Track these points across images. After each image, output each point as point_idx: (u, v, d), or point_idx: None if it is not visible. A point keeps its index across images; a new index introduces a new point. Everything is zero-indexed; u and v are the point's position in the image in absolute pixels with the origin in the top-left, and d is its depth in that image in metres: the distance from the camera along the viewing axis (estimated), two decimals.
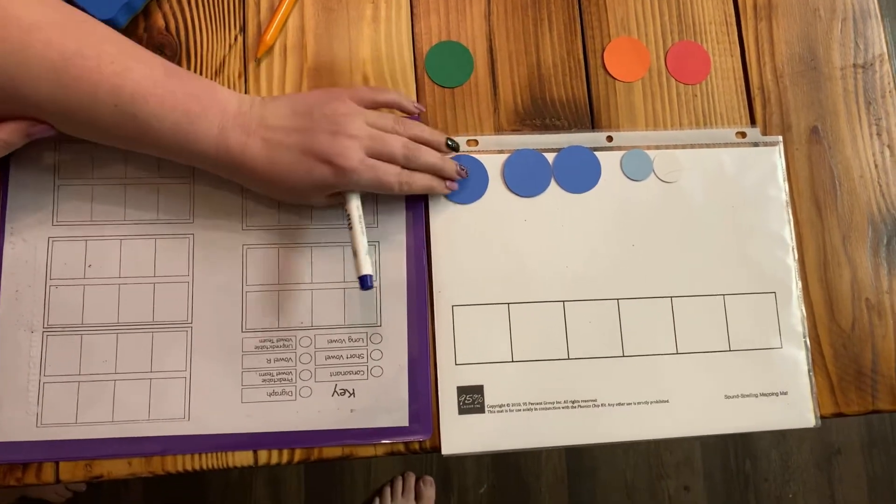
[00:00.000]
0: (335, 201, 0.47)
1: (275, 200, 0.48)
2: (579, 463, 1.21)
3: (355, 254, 0.45)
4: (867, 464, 1.26)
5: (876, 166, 0.54)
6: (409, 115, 0.49)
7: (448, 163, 0.48)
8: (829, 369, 0.50)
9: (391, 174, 0.45)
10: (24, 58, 0.39)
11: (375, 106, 0.47)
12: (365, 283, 0.44)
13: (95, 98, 0.40)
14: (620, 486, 1.21)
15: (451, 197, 0.50)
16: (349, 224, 0.45)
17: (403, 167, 0.46)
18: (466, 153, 0.51)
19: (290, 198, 0.47)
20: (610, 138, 0.52)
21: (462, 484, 1.18)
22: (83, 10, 0.49)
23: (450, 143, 0.49)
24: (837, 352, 0.51)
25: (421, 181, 0.47)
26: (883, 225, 0.53)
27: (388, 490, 1.13)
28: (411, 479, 1.15)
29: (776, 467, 1.24)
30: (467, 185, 0.50)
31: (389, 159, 0.45)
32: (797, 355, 0.49)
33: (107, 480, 0.45)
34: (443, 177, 0.48)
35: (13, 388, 0.45)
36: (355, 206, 0.46)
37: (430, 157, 0.47)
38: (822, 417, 0.50)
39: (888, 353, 0.51)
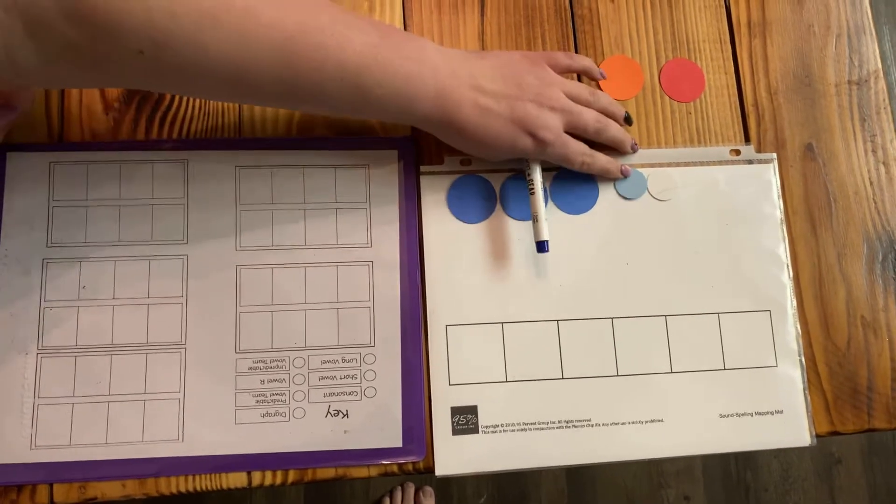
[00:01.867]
0: (514, 161, 0.49)
1: (268, 220, 0.48)
2: (579, 472, 1.21)
3: (535, 219, 0.48)
4: (868, 473, 1.25)
5: (871, 183, 0.54)
6: (596, 81, 0.52)
7: (627, 137, 0.51)
8: (824, 387, 0.50)
9: (577, 153, 0.48)
10: (246, 42, 0.37)
11: (570, 72, 0.50)
12: (542, 247, 0.48)
13: (322, 74, 0.40)
14: (620, 495, 1.21)
15: (457, 214, 0.50)
16: (531, 190, 0.48)
17: (591, 139, 0.49)
18: (468, 172, 0.51)
19: (483, 155, 0.48)
20: None
21: (461, 495, 1.18)
22: None
23: (627, 116, 0.51)
24: (833, 370, 0.50)
25: (601, 162, 0.49)
26: (878, 242, 0.53)
27: (387, 501, 1.13)
28: (410, 489, 1.15)
29: (777, 477, 1.24)
30: (474, 204, 0.50)
31: (582, 131, 0.48)
32: (792, 374, 0.49)
33: (101, 502, 0.45)
34: (622, 151, 0.51)
35: (7, 410, 0.45)
36: (538, 173, 0.48)
37: (616, 131, 0.50)
38: (818, 436, 0.49)
39: (884, 371, 0.51)
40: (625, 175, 0.51)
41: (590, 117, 0.48)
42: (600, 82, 0.53)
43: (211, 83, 0.38)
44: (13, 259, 0.47)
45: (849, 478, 1.25)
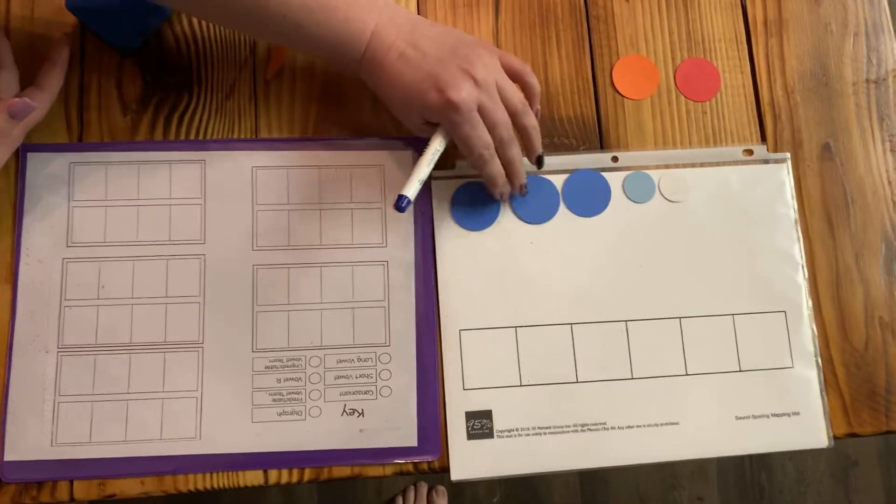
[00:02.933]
0: (430, 132, 0.47)
1: (284, 220, 0.49)
2: (592, 472, 1.20)
3: (410, 177, 0.45)
4: (885, 476, 1.24)
5: (889, 183, 0.53)
6: (529, 99, 0.48)
7: (521, 174, 0.48)
8: (841, 389, 0.50)
9: (481, 142, 0.45)
10: None
11: (511, 72, 0.47)
12: (399, 202, 0.44)
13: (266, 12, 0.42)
14: (633, 495, 1.20)
15: (461, 223, 0.50)
16: (424, 151, 0.45)
17: (512, 118, 0.46)
18: (476, 177, 0.51)
19: (398, 109, 0.47)
20: (615, 158, 0.52)
21: (474, 494, 1.18)
22: (97, 34, 0.50)
23: (539, 159, 0.49)
24: (850, 371, 0.50)
25: (495, 169, 0.47)
26: None
27: (400, 500, 1.13)
28: (423, 489, 1.15)
29: (791, 479, 1.23)
30: (479, 211, 0.50)
31: (489, 126, 0.45)
32: (809, 375, 0.49)
33: (121, 500, 0.46)
34: (510, 182, 0.48)
35: (29, 408, 0.46)
36: (438, 141, 0.46)
37: (516, 156, 0.47)
38: (836, 438, 0.49)
39: None
40: (521, 193, 0.49)
41: (505, 121, 0.45)
42: (615, 85, 0.53)
43: None
44: (34, 258, 0.47)
45: (865, 480, 1.23)
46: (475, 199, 0.50)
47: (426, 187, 0.50)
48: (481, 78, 0.44)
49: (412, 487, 1.15)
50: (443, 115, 0.44)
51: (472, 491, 1.18)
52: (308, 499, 1.16)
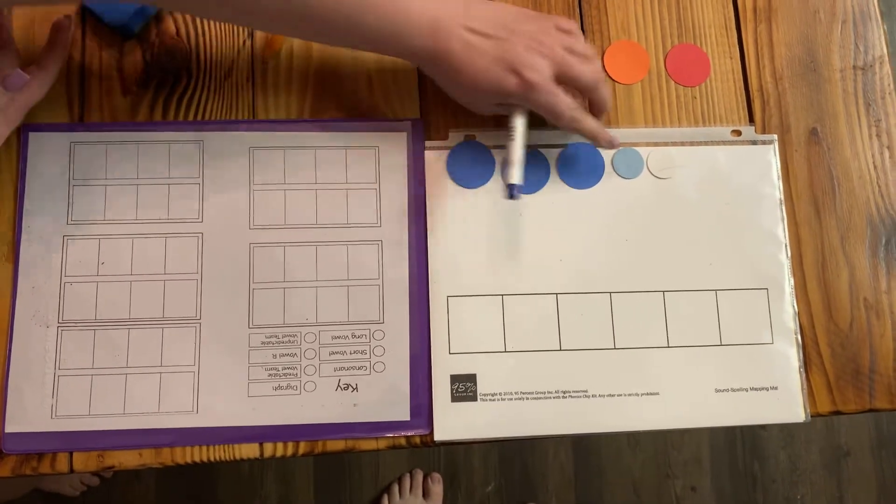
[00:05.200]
0: (502, 111, 0.48)
1: (281, 200, 0.50)
2: (586, 462, 1.22)
3: (509, 164, 0.47)
4: (877, 466, 1.25)
5: (875, 167, 0.54)
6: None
7: (610, 102, 0.50)
8: (826, 368, 0.51)
9: (566, 105, 0.46)
10: None
11: (565, 31, 0.48)
12: (511, 191, 0.47)
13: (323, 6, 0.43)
14: (628, 484, 1.22)
15: (458, 180, 0.51)
16: (511, 135, 0.47)
17: (584, 94, 0.48)
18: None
19: (471, 98, 0.48)
20: None
21: (469, 483, 1.19)
22: (98, 17, 0.51)
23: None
24: (835, 351, 0.51)
25: (590, 123, 0.48)
26: (881, 225, 0.53)
27: (395, 487, 1.15)
28: (419, 475, 1.16)
29: (784, 468, 1.24)
30: (473, 168, 0.51)
31: (574, 81, 0.47)
32: (788, 351, 0.50)
33: (120, 472, 0.47)
34: (598, 115, 0.50)
35: (30, 381, 0.47)
36: (521, 121, 0.48)
37: (608, 93, 0.49)
38: (819, 415, 0.50)
39: (886, 352, 0.51)
40: (611, 145, 0.49)
41: (586, 69, 0.47)
42: (606, 69, 0.54)
43: None
44: (35, 236, 0.48)
45: (857, 470, 1.25)
46: (471, 159, 0.51)
47: (424, 163, 0.51)
48: (549, 52, 0.45)
49: (408, 475, 1.16)
50: (524, 97, 0.46)
51: (468, 479, 1.19)
52: (305, 485, 1.17)
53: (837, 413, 0.51)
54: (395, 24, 0.44)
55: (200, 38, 0.52)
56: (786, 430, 1.24)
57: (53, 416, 0.46)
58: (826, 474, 1.25)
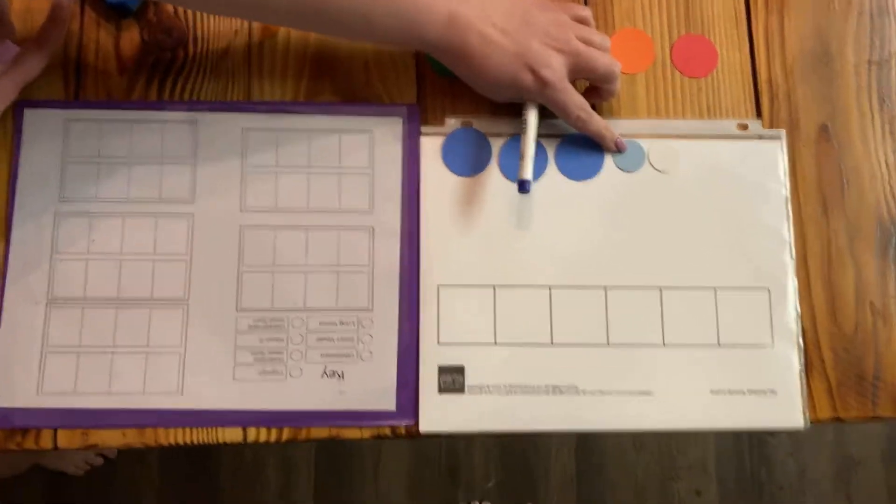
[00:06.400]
0: (517, 100, 0.49)
1: (273, 183, 0.49)
2: (588, 461, 1.20)
3: (521, 157, 0.47)
4: (888, 476, 1.22)
5: (888, 166, 0.52)
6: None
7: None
8: (828, 373, 0.49)
9: (576, 105, 0.48)
10: None
11: (577, 20, 0.49)
12: (523, 186, 0.47)
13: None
14: (630, 486, 1.20)
15: (453, 168, 0.50)
16: (524, 129, 0.48)
17: (596, 83, 0.49)
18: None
19: (487, 90, 0.49)
20: None
21: (469, 479, 1.18)
22: None
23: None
24: (838, 355, 0.49)
25: (597, 124, 0.49)
26: (892, 227, 0.51)
27: None
28: None
29: (792, 476, 1.21)
30: (468, 156, 0.50)
31: (590, 73, 0.48)
32: (789, 355, 0.48)
33: (124, 453, 0.47)
34: (606, 99, 0.50)
35: (17, 357, 0.47)
36: (533, 115, 0.48)
37: (618, 87, 0.49)
38: (819, 422, 0.48)
39: (892, 358, 0.50)
40: (619, 149, 0.50)
41: (601, 63, 0.47)
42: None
43: None
44: (27, 211, 0.48)
45: (868, 480, 1.22)
46: (468, 146, 0.50)
47: (418, 149, 0.50)
48: (566, 46, 0.46)
49: None
50: (538, 94, 0.47)
51: (468, 475, 1.18)
52: (306, 481, 1.17)
53: (838, 420, 0.49)
54: (412, 17, 0.44)
55: (198, 18, 0.52)
56: (794, 437, 1.21)
57: (39, 392, 0.46)
58: (835, 483, 1.22)
